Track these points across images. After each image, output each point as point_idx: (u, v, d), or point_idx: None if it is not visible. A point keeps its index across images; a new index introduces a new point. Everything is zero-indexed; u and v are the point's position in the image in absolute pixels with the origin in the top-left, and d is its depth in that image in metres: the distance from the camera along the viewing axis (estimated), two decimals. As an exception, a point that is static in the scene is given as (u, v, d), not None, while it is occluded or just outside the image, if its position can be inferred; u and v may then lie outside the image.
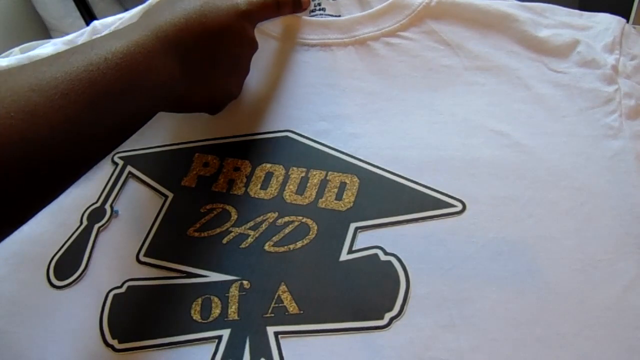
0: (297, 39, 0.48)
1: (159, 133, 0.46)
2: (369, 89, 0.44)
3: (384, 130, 0.42)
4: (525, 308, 0.31)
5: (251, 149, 0.43)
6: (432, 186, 0.37)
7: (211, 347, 0.32)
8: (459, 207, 0.36)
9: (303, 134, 0.43)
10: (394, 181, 0.38)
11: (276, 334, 0.32)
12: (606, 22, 0.44)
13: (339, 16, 0.50)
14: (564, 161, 0.37)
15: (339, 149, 0.41)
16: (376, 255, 0.34)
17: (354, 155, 0.40)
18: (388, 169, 0.39)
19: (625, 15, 0.47)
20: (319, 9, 0.49)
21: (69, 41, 0.56)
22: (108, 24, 0.56)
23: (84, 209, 0.42)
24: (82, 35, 0.56)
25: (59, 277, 0.38)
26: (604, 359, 0.29)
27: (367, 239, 0.36)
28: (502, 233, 0.34)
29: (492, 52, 0.44)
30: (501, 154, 0.38)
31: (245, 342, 0.32)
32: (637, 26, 0.45)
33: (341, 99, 0.44)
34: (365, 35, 0.47)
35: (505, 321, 0.31)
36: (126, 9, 0.56)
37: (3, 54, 0.58)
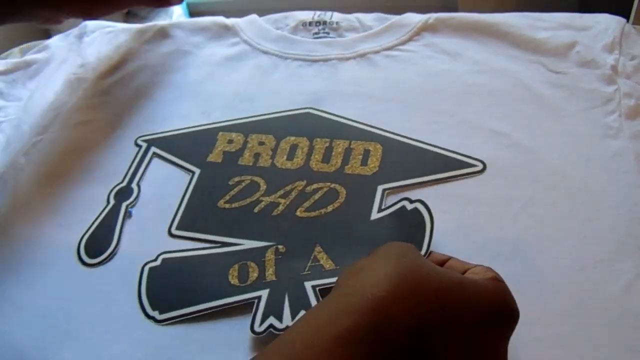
0: (300, 57, 0.49)
1: (179, 118, 0.46)
2: (369, 93, 0.45)
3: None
4: (525, 308, 0.31)
5: (274, 125, 0.44)
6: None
7: (251, 307, 0.33)
8: (480, 166, 0.37)
9: (324, 109, 0.44)
10: (416, 146, 0.40)
11: (314, 287, 0.33)
12: (606, 22, 0.44)
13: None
14: (564, 161, 0.37)
15: (360, 120, 0.42)
16: (403, 206, 0.35)
17: (374, 125, 0.42)
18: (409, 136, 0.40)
19: (625, 15, 0.48)
20: (323, 33, 0.51)
21: (60, 44, 0.56)
22: (101, 25, 0.56)
23: (109, 189, 0.42)
24: (67, 36, 0.56)
25: (91, 256, 0.38)
26: (603, 359, 0.29)
27: (396, 200, 0.36)
28: (502, 233, 0.34)
29: (491, 58, 0.45)
30: (501, 154, 0.38)
31: (284, 298, 0.33)
32: (637, 26, 0.45)
33: (342, 103, 0.44)
34: (366, 50, 0.48)
35: (505, 321, 0.31)
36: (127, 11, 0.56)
37: (3, 54, 0.58)
